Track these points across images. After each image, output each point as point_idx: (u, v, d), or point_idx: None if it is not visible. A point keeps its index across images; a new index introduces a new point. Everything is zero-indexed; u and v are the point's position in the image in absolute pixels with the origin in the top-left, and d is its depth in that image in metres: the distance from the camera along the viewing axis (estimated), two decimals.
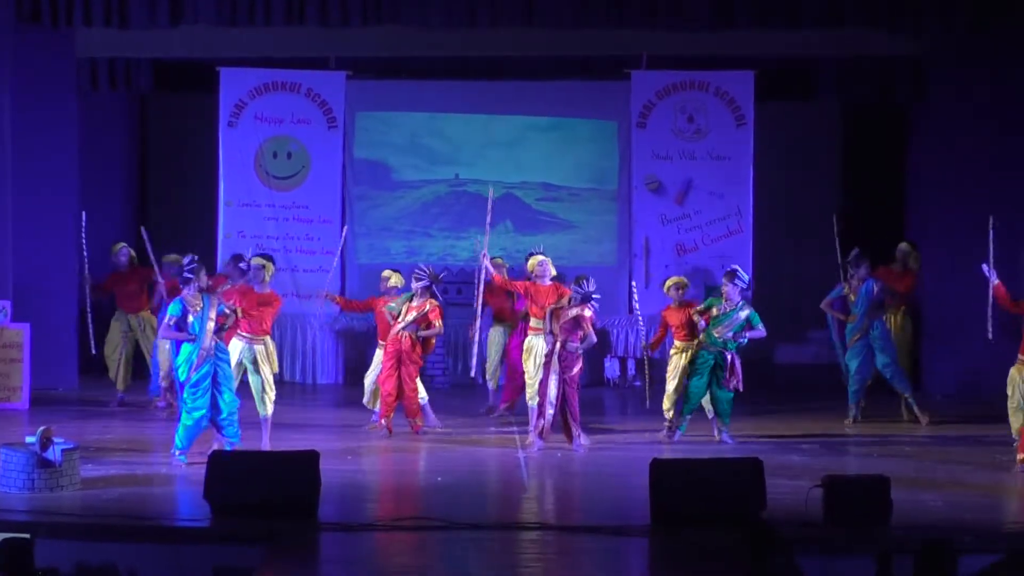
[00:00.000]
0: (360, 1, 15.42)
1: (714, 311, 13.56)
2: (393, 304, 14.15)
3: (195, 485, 10.66)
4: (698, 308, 13.75)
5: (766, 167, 18.24)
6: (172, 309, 12.19)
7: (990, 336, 13.09)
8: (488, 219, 14.54)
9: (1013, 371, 12.42)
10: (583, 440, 13.14)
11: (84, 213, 15.27)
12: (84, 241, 15.28)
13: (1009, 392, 12.39)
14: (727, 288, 13.57)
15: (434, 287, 13.96)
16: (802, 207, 19.57)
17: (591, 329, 13.23)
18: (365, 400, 14.47)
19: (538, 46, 17.35)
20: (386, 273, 14.70)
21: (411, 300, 13.96)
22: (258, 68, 18.12)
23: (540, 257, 14.01)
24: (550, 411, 12.98)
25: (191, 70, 18.41)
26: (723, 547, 9.15)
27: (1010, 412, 12.42)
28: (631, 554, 9.72)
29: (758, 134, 18.03)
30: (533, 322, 13.74)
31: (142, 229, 14.87)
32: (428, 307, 13.88)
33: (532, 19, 15.61)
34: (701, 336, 13.61)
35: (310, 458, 10.43)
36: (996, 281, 12.77)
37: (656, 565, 9.61)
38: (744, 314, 13.53)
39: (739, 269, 13.87)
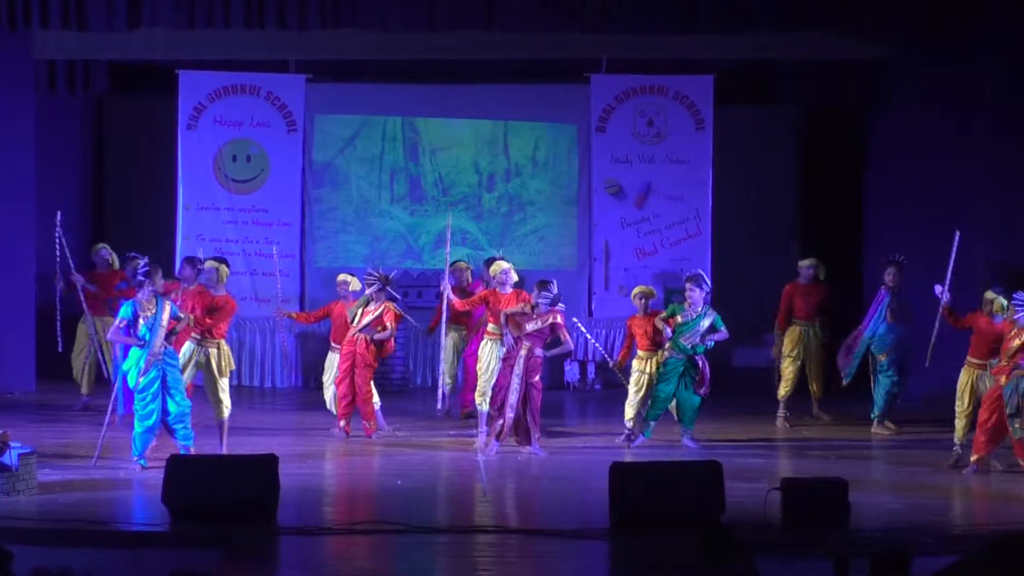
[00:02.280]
0: (319, 4, 15.37)
1: (678, 318, 13.55)
2: (351, 309, 14.21)
3: (153, 489, 10.63)
4: (662, 315, 13.73)
5: (725, 171, 18.30)
6: (124, 312, 12.12)
7: (927, 363, 13.50)
8: (447, 248, 14.63)
9: (963, 374, 12.61)
10: (540, 449, 13.13)
11: (60, 213, 14.95)
12: (60, 239, 14.67)
13: (959, 393, 12.57)
14: (691, 292, 13.58)
15: (388, 288, 14.01)
16: (761, 211, 19.65)
17: (567, 336, 13.32)
18: (329, 405, 14.50)
19: (497, 50, 17.34)
20: (343, 277, 14.71)
21: (367, 304, 13.98)
22: (217, 71, 18.07)
23: (504, 265, 14.07)
24: (510, 414, 12.98)
25: (149, 73, 18.33)
26: (682, 550, 9.17)
27: (958, 414, 12.60)
28: (591, 557, 9.73)
29: (717, 138, 18.08)
30: (491, 327, 13.79)
31: (58, 215, 14.71)
32: (383, 309, 13.92)
33: (491, 23, 15.58)
34: (667, 344, 13.61)
35: (269, 462, 10.42)
36: (946, 299, 13.14)
37: (616, 568, 9.63)
38: (708, 321, 13.56)
39: (703, 273, 13.94)
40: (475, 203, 18.57)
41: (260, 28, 15.59)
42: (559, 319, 13.12)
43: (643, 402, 13.82)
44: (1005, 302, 12.56)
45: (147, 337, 11.99)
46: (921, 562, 7.92)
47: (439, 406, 14.58)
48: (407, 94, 18.50)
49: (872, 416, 14.62)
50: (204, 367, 12.91)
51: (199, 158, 17.99)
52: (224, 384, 12.89)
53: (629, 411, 13.89)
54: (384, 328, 13.97)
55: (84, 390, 15.57)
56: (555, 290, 13.14)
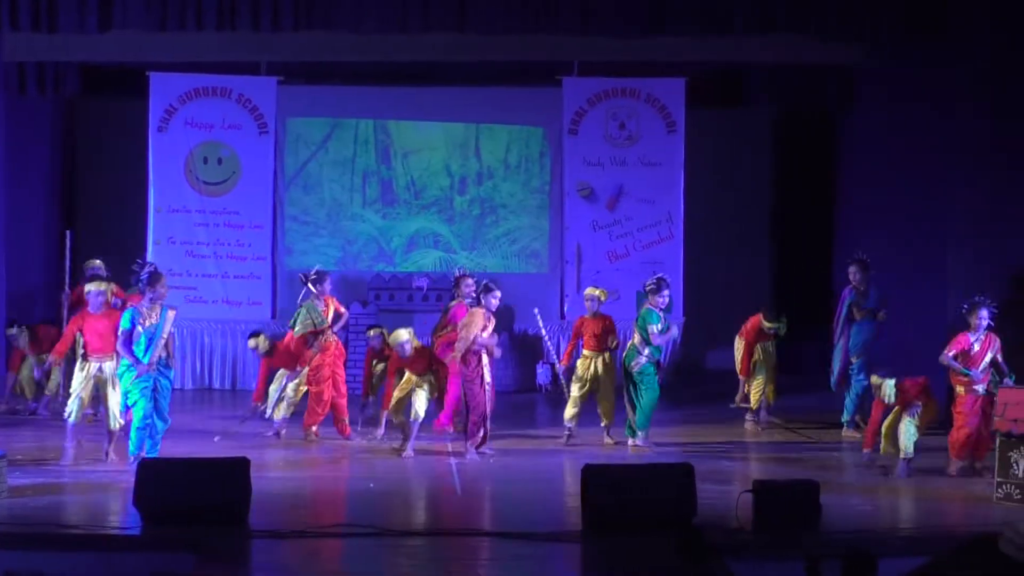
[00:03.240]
0: (291, 6, 15.33)
1: (659, 325, 13.67)
2: (300, 327, 14.09)
3: (124, 493, 10.59)
4: (644, 327, 13.72)
5: (697, 173, 18.35)
6: (124, 322, 12.08)
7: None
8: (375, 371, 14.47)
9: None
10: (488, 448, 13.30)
11: (69, 233, 14.81)
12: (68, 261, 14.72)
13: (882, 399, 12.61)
14: (663, 299, 13.66)
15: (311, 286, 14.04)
16: (732, 213, 19.70)
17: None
18: (269, 412, 14.34)
19: (469, 52, 17.34)
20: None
21: (316, 306, 13.95)
22: (188, 73, 18.03)
23: (403, 336, 13.53)
24: (490, 424, 13.10)
25: (120, 74, 18.28)
26: (654, 553, 9.19)
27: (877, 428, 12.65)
28: (563, 559, 9.73)
29: (689, 141, 18.13)
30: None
31: (67, 233, 14.67)
32: (332, 305, 14.00)
33: (464, 25, 15.58)
34: (645, 351, 13.67)
35: (240, 465, 10.39)
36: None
37: (588, 571, 9.63)
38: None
39: (664, 278, 13.99)
40: (447, 206, 18.58)
41: (231, 30, 15.55)
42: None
43: (584, 398, 13.92)
44: (892, 385, 12.52)
45: (142, 348, 11.98)
46: (891, 564, 7.96)
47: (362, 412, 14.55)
48: (379, 97, 18.51)
49: (842, 420, 14.66)
50: (102, 381, 12.64)
51: (170, 160, 17.96)
52: (119, 397, 12.67)
53: (570, 410, 13.98)
54: (342, 314, 14.24)
55: (29, 395, 15.56)
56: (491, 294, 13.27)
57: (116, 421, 12.51)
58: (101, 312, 12.75)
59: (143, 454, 11.91)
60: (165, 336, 12.04)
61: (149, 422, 12.09)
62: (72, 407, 12.51)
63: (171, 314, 12.16)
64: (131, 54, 17.33)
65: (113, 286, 13.63)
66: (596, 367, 13.97)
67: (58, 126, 19.50)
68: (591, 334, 14.07)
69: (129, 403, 12.16)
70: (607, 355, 14.03)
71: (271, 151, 18.20)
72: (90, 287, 13.10)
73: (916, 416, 12.35)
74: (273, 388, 14.28)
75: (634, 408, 13.72)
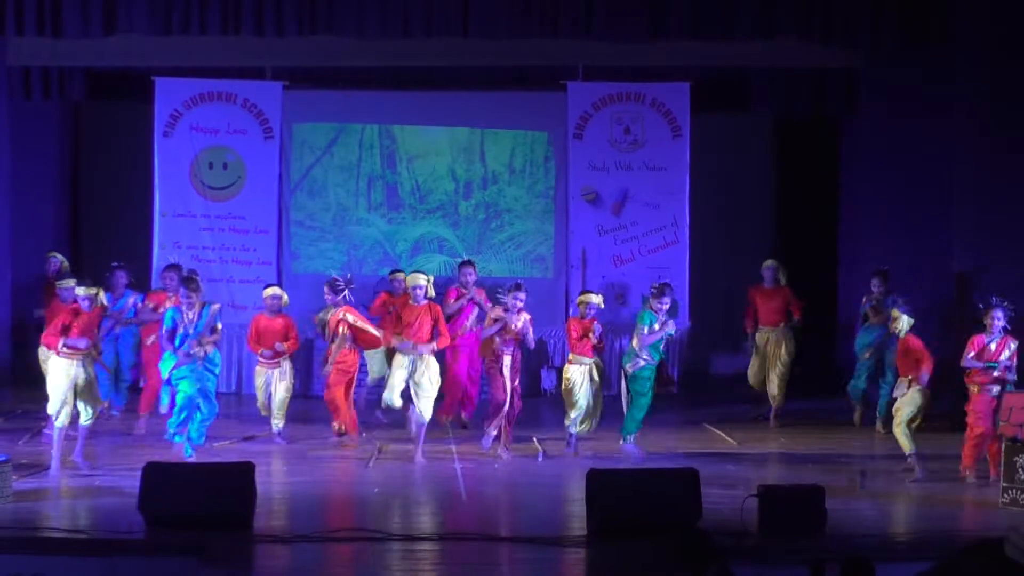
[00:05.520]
0: (296, 11, 15.38)
1: (656, 327, 13.51)
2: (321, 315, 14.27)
3: (129, 497, 10.60)
4: (639, 328, 13.67)
5: (701, 178, 18.32)
6: (167, 320, 12.76)
7: None
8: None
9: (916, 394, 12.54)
10: (507, 452, 13.37)
11: None
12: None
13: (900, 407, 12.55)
14: (658, 303, 13.57)
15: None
16: (737, 218, 19.67)
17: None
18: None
19: (474, 57, 17.37)
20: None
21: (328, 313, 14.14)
22: (193, 78, 18.03)
23: (420, 279, 13.73)
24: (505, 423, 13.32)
25: (125, 79, 18.29)
26: (659, 557, 9.19)
27: (901, 425, 12.57)
28: (568, 564, 9.74)
29: (693, 145, 18.11)
30: (395, 339, 13.57)
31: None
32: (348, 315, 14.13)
33: (468, 30, 15.61)
34: (644, 353, 13.56)
35: (245, 469, 10.40)
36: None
37: (593, 575, 9.63)
38: (672, 324, 13.75)
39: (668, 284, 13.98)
40: (452, 211, 18.57)
41: (236, 35, 15.60)
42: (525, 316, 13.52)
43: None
44: (909, 321, 12.60)
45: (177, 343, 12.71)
46: (896, 568, 7.96)
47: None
48: (384, 102, 18.50)
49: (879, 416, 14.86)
50: (83, 378, 12.61)
51: (175, 165, 17.95)
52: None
53: (577, 419, 13.70)
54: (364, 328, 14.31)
55: None
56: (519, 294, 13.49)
57: (88, 418, 12.55)
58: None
59: (178, 435, 12.63)
60: (215, 331, 12.86)
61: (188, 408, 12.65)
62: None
63: (214, 310, 12.90)
64: (136, 59, 17.35)
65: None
66: (585, 374, 13.73)
67: (63, 131, 19.50)
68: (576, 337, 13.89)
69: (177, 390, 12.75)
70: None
71: (276, 156, 18.19)
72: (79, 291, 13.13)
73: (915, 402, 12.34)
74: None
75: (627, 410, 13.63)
